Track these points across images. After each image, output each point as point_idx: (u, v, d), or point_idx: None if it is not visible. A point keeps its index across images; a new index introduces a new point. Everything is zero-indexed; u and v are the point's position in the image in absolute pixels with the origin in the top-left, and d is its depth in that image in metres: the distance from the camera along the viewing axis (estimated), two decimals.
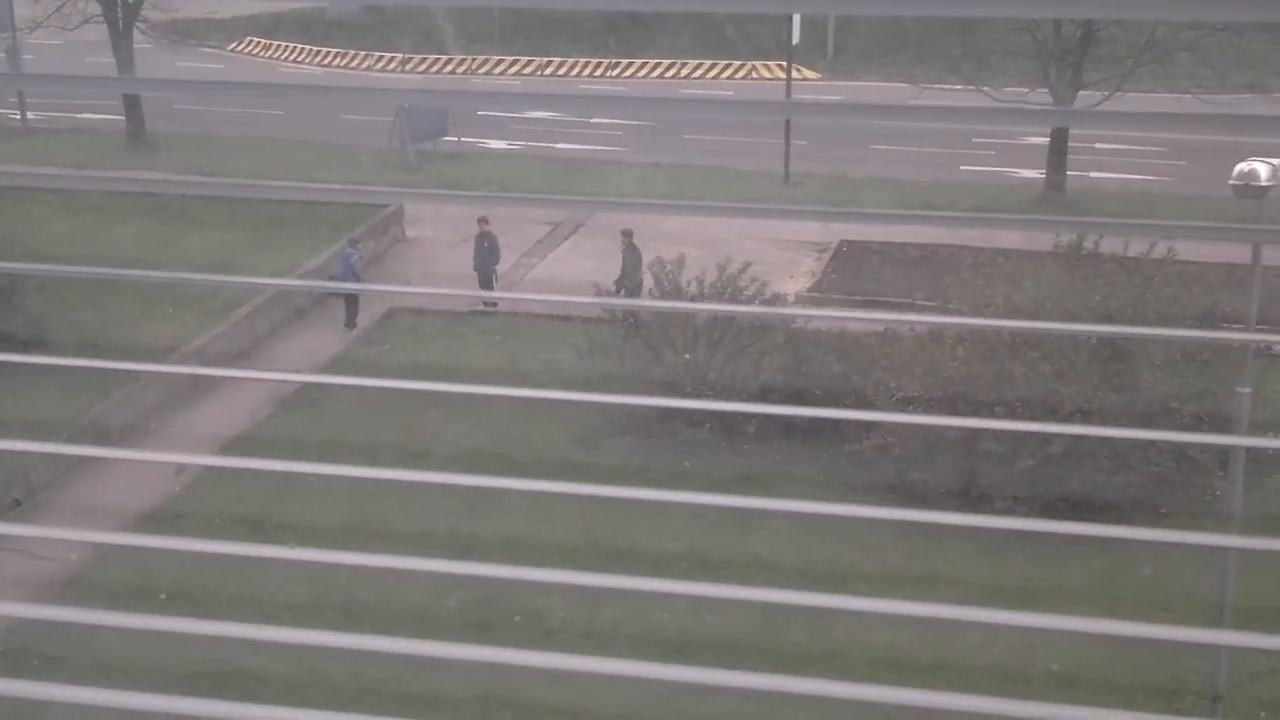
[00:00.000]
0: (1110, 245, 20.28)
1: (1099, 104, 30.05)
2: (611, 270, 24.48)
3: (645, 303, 22.62)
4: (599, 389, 20.06)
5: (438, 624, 15.13)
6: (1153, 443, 17.55)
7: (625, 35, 46.56)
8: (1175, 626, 2.90)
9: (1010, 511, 16.83)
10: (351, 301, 24.44)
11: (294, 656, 13.97)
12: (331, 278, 24.75)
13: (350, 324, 24.35)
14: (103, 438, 19.92)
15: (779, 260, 26.78)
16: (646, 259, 23.28)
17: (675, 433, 19.36)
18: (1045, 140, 31.97)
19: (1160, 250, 20.74)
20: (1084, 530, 3.14)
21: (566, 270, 26.89)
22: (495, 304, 25.21)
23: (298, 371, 22.52)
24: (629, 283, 24.09)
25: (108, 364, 3.48)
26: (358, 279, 24.82)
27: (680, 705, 13.63)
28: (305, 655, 14.08)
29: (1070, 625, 2.99)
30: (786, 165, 32.47)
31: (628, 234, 24.60)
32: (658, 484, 17.99)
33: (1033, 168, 32.82)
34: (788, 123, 32.01)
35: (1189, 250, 21.66)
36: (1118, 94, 30.41)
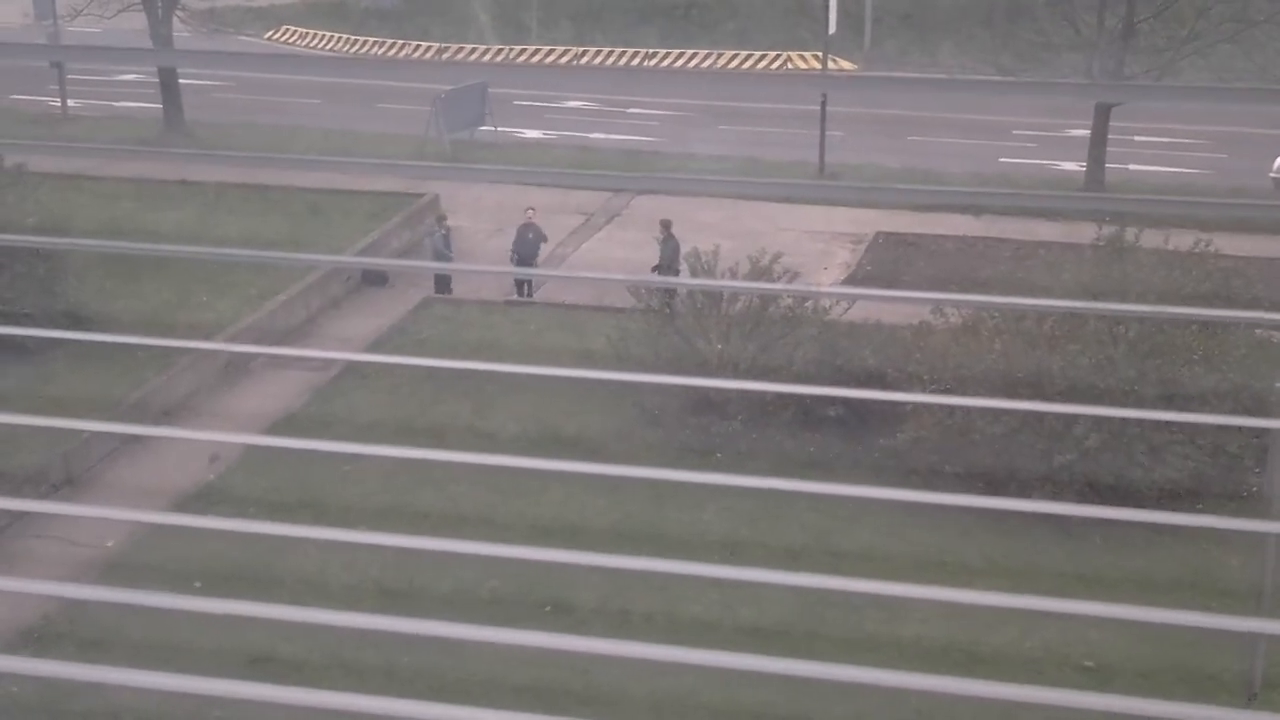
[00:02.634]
0: (1150, 239, 20.12)
1: None
2: (646, 260, 24.48)
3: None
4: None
5: (469, 615, 15.16)
6: (1190, 439, 17.41)
7: (666, 26, 46.51)
8: (1211, 614, 2.86)
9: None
10: (441, 279, 25.66)
11: (326, 643, 14.04)
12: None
13: (442, 290, 25.59)
14: (131, 439, 20.00)
15: (813, 252, 26.73)
16: (682, 250, 23.26)
17: (708, 426, 19.30)
18: (1086, 133, 31.74)
19: (1201, 245, 20.57)
20: (1117, 515, 3.10)
21: (601, 260, 26.92)
22: (531, 294, 25.36)
23: (328, 361, 22.53)
24: (667, 273, 24.11)
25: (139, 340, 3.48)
26: (438, 255, 25.77)
27: (714, 696, 13.64)
28: (338, 642, 14.16)
29: (1105, 612, 2.97)
30: (821, 156, 32.35)
31: (666, 224, 24.57)
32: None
33: (1073, 160, 32.59)
34: (823, 114, 31.86)
35: (1229, 245, 21.50)
36: None
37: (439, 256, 25.79)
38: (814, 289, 23.29)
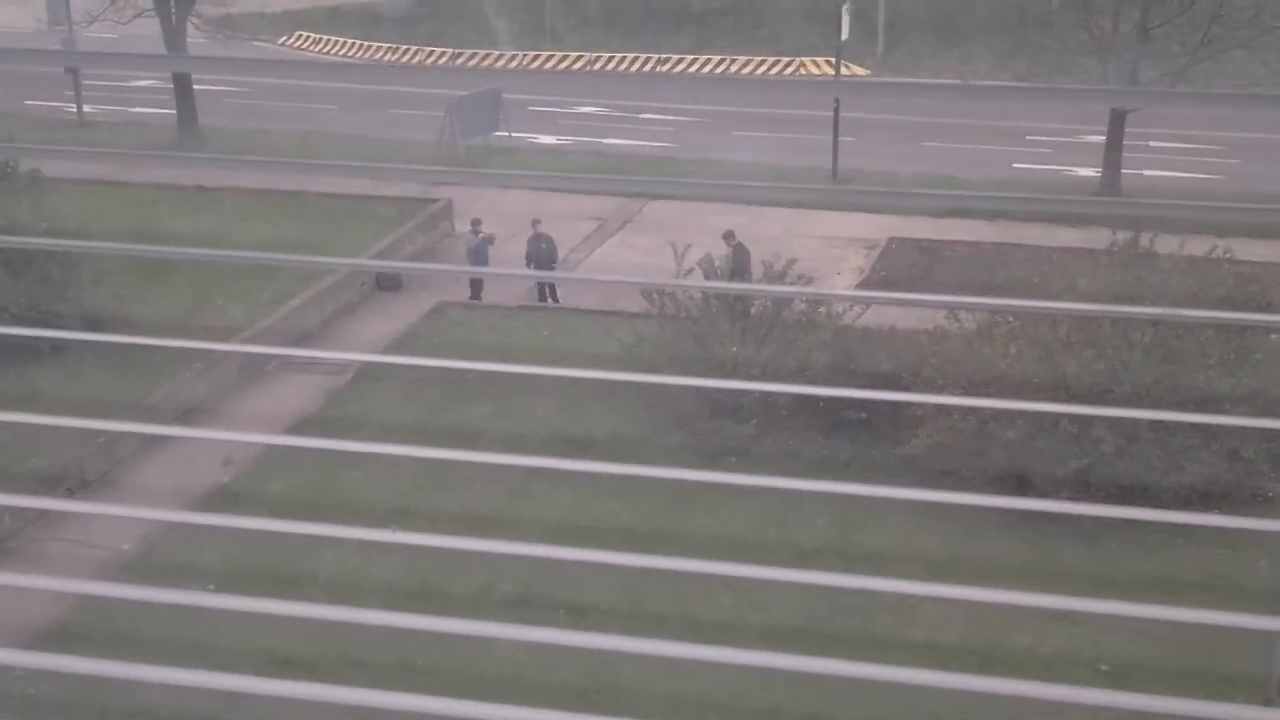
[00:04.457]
0: (1165, 245, 20.06)
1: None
2: (660, 265, 24.37)
3: (740, 286, 22.09)
4: (646, 383, 20.07)
5: (481, 616, 15.13)
6: (1206, 444, 17.34)
7: (676, 31, 46.56)
8: (1228, 613, 2.84)
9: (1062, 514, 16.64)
10: (475, 282, 25.73)
11: (340, 645, 14.04)
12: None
13: (476, 295, 25.74)
14: (143, 446, 20.04)
15: (827, 257, 26.69)
16: (695, 255, 23.04)
17: (722, 430, 19.28)
18: (1100, 139, 31.68)
19: (1217, 251, 20.51)
20: (1138, 515, 3.09)
21: (615, 266, 26.89)
22: (556, 299, 25.32)
23: (341, 366, 22.55)
24: (741, 280, 23.55)
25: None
26: (477, 258, 25.62)
27: (727, 698, 13.62)
28: (351, 645, 14.16)
29: (1121, 610, 2.95)
30: (835, 161, 32.31)
31: (730, 235, 24.33)
32: (703, 482, 17.90)
33: (1088, 166, 32.52)
34: (836, 120, 31.82)
35: (1245, 251, 21.44)
36: None
37: (478, 260, 25.66)
38: (831, 293, 23.25)
